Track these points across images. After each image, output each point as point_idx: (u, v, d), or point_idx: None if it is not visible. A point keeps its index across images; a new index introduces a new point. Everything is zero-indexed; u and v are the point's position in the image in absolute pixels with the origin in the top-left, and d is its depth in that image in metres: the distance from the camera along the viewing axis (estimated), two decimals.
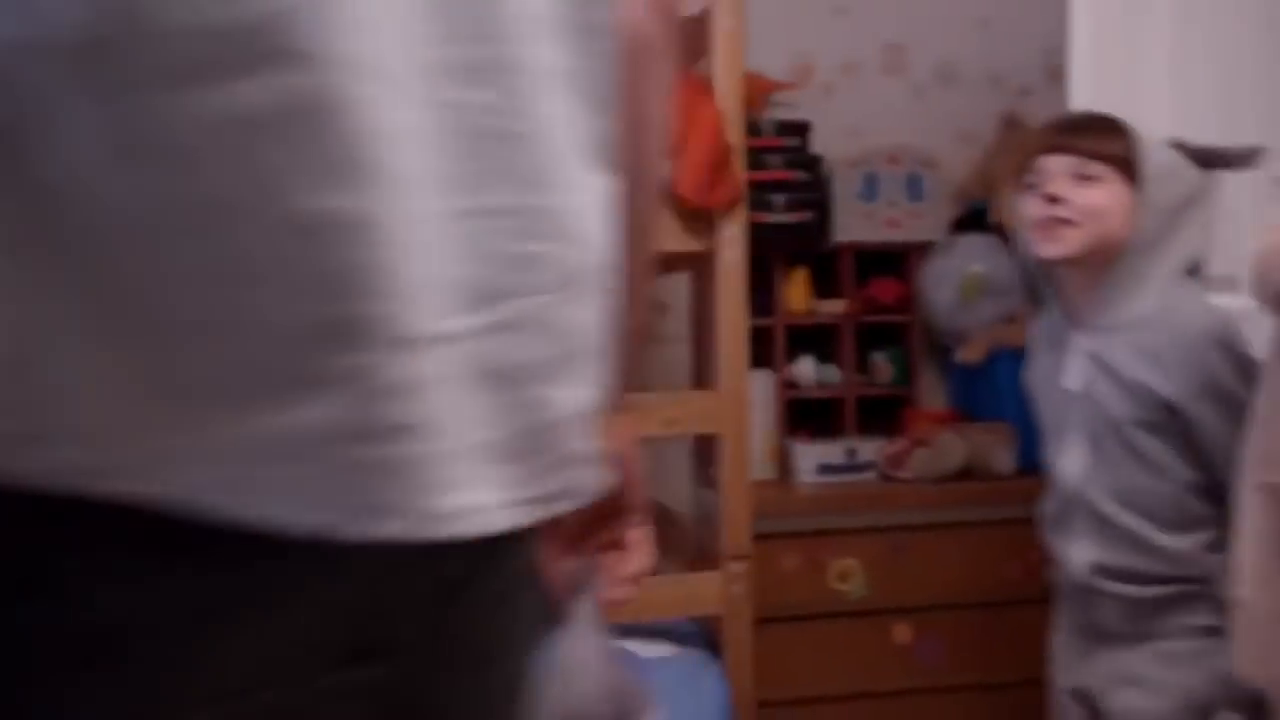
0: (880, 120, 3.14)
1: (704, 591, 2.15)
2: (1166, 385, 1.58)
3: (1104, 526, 1.65)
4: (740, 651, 2.13)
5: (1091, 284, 1.65)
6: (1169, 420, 1.59)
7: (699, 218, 2.13)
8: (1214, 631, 1.58)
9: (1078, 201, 1.62)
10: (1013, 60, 3.15)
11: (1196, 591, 1.62)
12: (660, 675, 2.09)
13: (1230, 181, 1.69)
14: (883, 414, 3.01)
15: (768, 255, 2.92)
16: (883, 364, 3.09)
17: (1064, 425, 1.69)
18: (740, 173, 2.13)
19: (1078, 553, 1.68)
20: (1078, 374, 1.66)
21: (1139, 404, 1.60)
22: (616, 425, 0.82)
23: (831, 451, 2.91)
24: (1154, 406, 1.59)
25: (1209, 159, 1.66)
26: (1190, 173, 1.65)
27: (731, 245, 2.15)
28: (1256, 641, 1.21)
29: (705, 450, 2.65)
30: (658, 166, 0.86)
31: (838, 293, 3.05)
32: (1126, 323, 1.63)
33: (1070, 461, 1.68)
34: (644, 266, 0.89)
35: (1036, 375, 1.77)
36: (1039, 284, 1.77)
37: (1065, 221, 1.63)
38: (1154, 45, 2.01)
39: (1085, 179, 1.63)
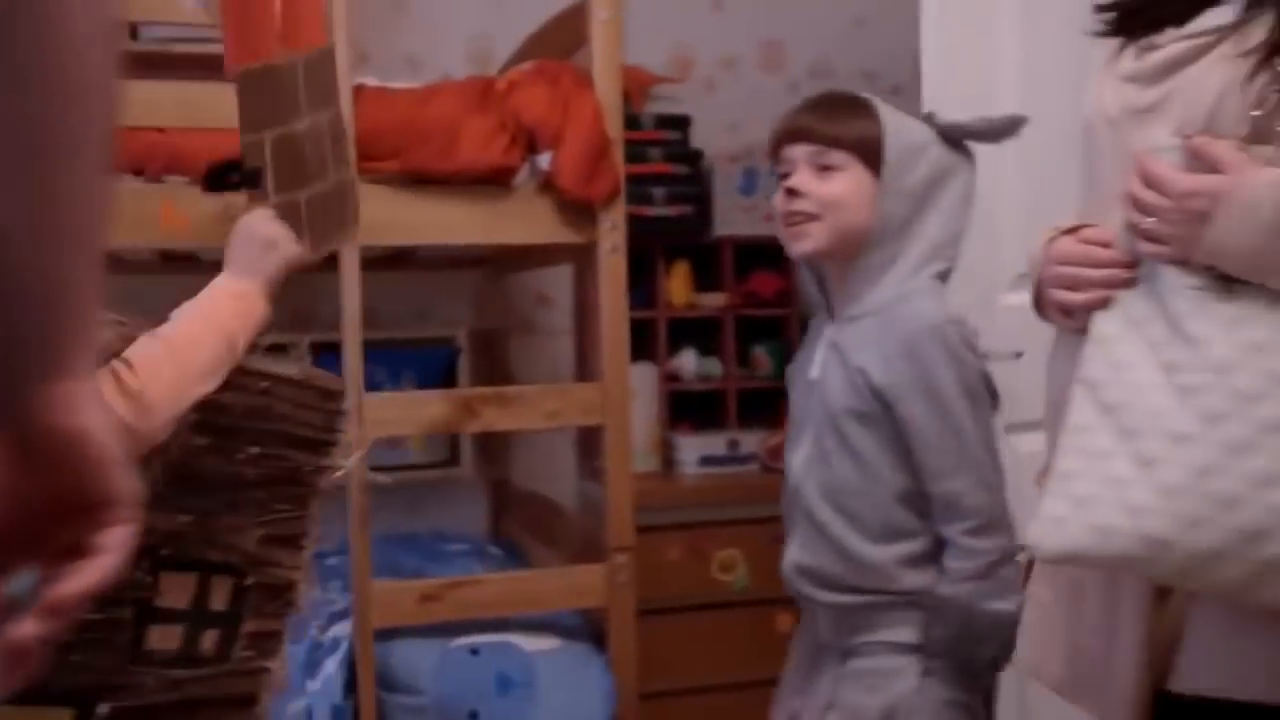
0: (759, 115, 3.17)
1: (588, 583, 2.15)
2: (881, 375, 1.52)
3: (811, 526, 1.59)
4: (624, 643, 2.13)
5: (843, 275, 1.60)
6: (881, 413, 1.52)
7: (579, 210, 2.13)
8: (917, 649, 1.53)
9: (816, 193, 1.57)
10: (885, 58, 3.22)
11: (896, 604, 1.54)
12: (546, 668, 2.09)
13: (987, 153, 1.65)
14: (764, 406, 3.05)
15: (649, 248, 2.93)
16: (763, 357, 3.13)
17: (800, 418, 1.64)
18: (620, 164, 2.13)
19: (788, 553, 1.63)
20: (819, 364, 1.61)
21: (856, 392, 1.54)
22: (70, 390, 0.62)
23: (713, 443, 2.95)
24: (869, 396, 1.53)
25: (959, 133, 1.60)
26: (936, 151, 1.59)
27: (611, 236, 2.15)
28: (1035, 638, 1.25)
29: (589, 443, 2.65)
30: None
31: (718, 286, 3.08)
32: (865, 312, 1.57)
33: (796, 456, 1.62)
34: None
35: (792, 369, 1.71)
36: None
37: (808, 215, 1.57)
38: (1006, 38, 2.07)
39: (824, 168, 1.58)
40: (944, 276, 1.60)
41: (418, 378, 2.79)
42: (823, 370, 1.59)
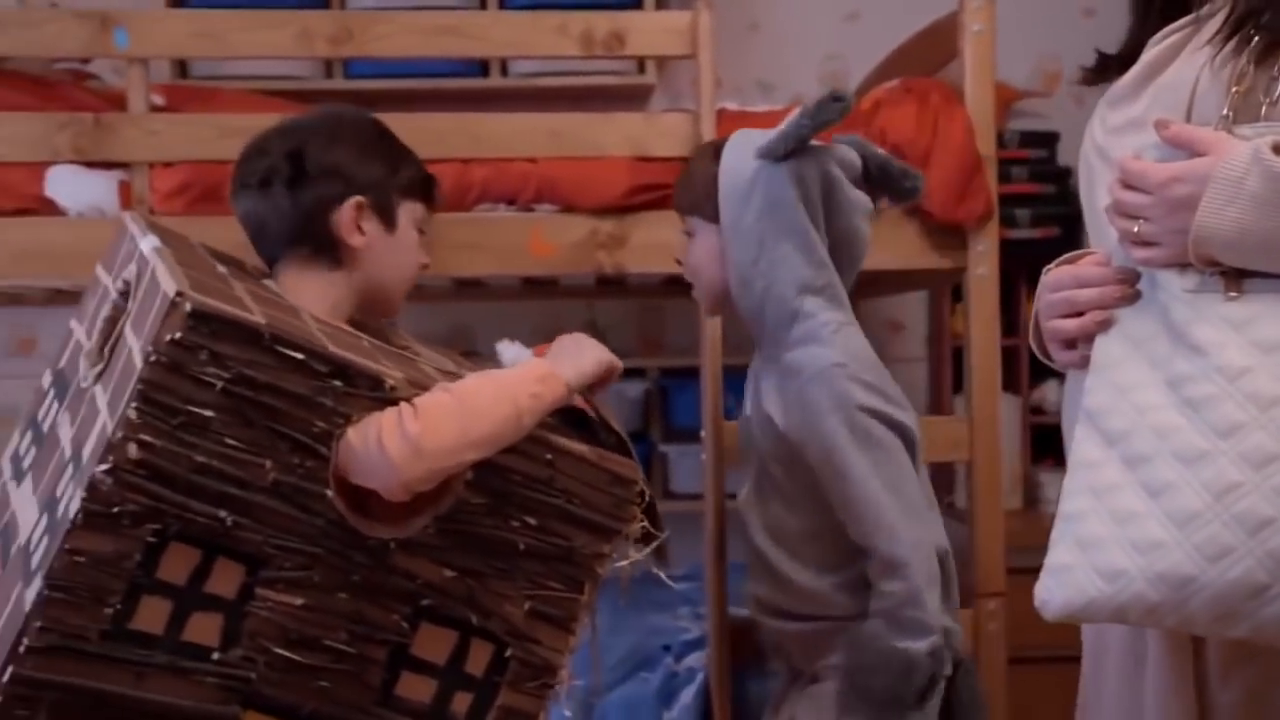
0: None
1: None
2: (784, 422, 1.53)
3: (756, 559, 1.61)
4: (994, 696, 1.99)
5: (743, 324, 1.63)
6: (796, 456, 1.53)
7: (948, 233, 2.02)
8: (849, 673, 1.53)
9: (686, 264, 1.66)
10: None
11: (842, 630, 1.53)
12: None
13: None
14: None
15: (1012, 273, 2.76)
16: None
17: (745, 452, 1.68)
18: (992, 184, 2.01)
19: (746, 583, 1.65)
20: (749, 402, 1.65)
21: (772, 437, 1.56)
22: None
23: None
24: (781, 441, 1.54)
25: (783, 143, 1.55)
26: (765, 174, 1.55)
27: (983, 261, 2.02)
28: None
29: (942, 478, 2.52)
30: None
31: None
32: (769, 356, 1.60)
33: (742, 490, 1.65)
34: None
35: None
36: None
37: (691, 285, 1.66)
38: None
39: (689, 234, 1.64)
40: (830, 293, 1.56)
41: None
42: (750, 408, 1.63)
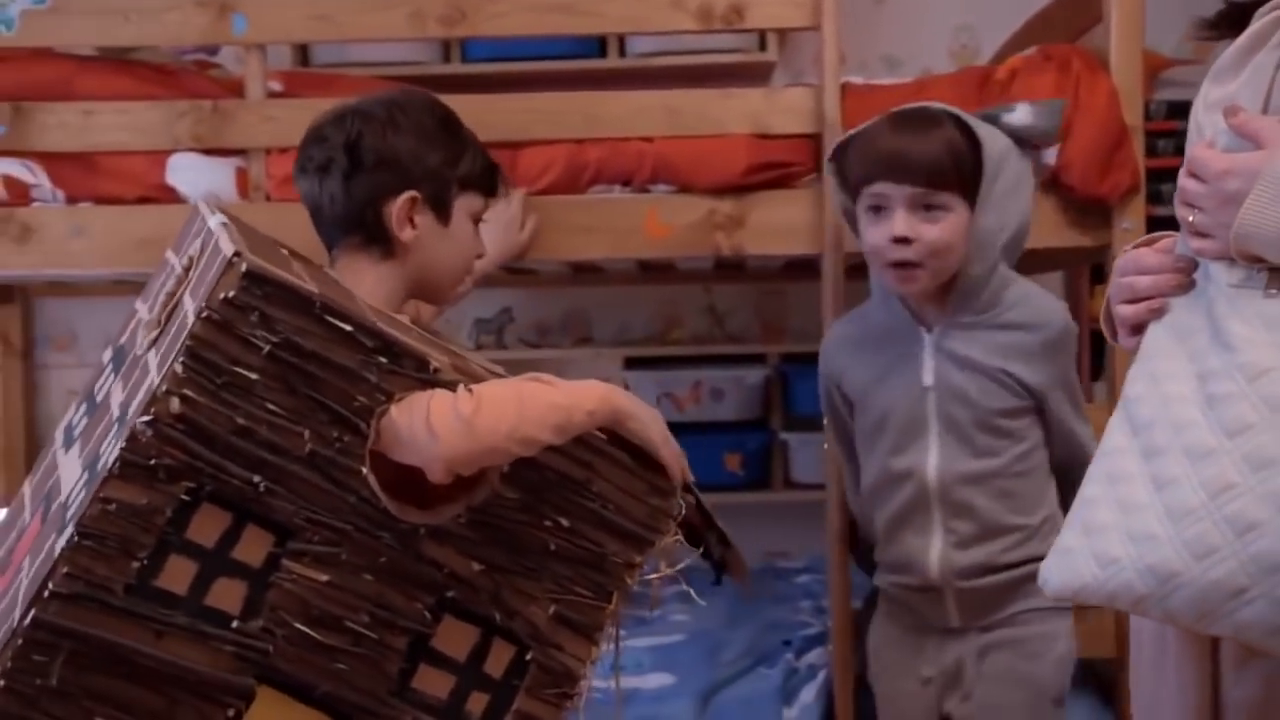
0: None
1: (1099, 629, 1.90)
2: (1030, 375, 1.61)
3: (964, 519, 1.63)
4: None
5: (941, 289, 1.63)
6: (1034, 408, 1.63)
7: (1090, 209, 1.90)
8: (1054, 612, 1.63)
9: (923, 239, 1.57)
10: None
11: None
12: None
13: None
14: None
15: None
16: None
17: (910, 423, 1.65)
18: (1139, 157, 1.88)
19: (933, 550, 1.64)
20: (930, 370, 1.64)
21: (1007, 392, 1.61)
22: None
23: None
24: (1024, 394, 1.62)
25: (1027, 135, 1.69)
26: (1014, 155, 1.64)
27: (1128, 239, 1.87)
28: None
29: None
30: None
31: None
32: (980, 319, 1.63)
33: (925, 457, 1.64)
34: None
35: (863, 377, 1.70)
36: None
37: (915, 263, 1.58)
38: None
39: (928, 208, 1.58)
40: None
41: None
42: (937, 376, 1.63)
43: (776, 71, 2.88)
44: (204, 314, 1.06)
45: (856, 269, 2.36)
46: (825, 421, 1.82)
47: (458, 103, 1.74)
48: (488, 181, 1.45)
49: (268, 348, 1.07)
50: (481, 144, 1.46)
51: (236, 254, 1.07)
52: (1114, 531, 0.97)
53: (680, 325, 3.02)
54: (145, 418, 1.05)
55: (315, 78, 2.24)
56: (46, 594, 1.05)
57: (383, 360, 1.11)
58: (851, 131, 1.67)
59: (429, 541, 1.15)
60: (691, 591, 1.31)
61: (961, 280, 1.60)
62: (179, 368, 1.06)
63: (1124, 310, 1.06)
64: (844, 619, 1.92)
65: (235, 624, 1.09)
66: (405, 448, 1.13)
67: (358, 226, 1.38)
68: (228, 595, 1.09)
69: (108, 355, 1.34)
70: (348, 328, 1.09)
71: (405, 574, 1.15)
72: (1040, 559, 1.47)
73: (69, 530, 1.06)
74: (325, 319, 1.09)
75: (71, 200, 1.97)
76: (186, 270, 1.20)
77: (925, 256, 1.58)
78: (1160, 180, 2.57)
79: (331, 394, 1.10)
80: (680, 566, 1.26)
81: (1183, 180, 0.99)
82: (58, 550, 1.06)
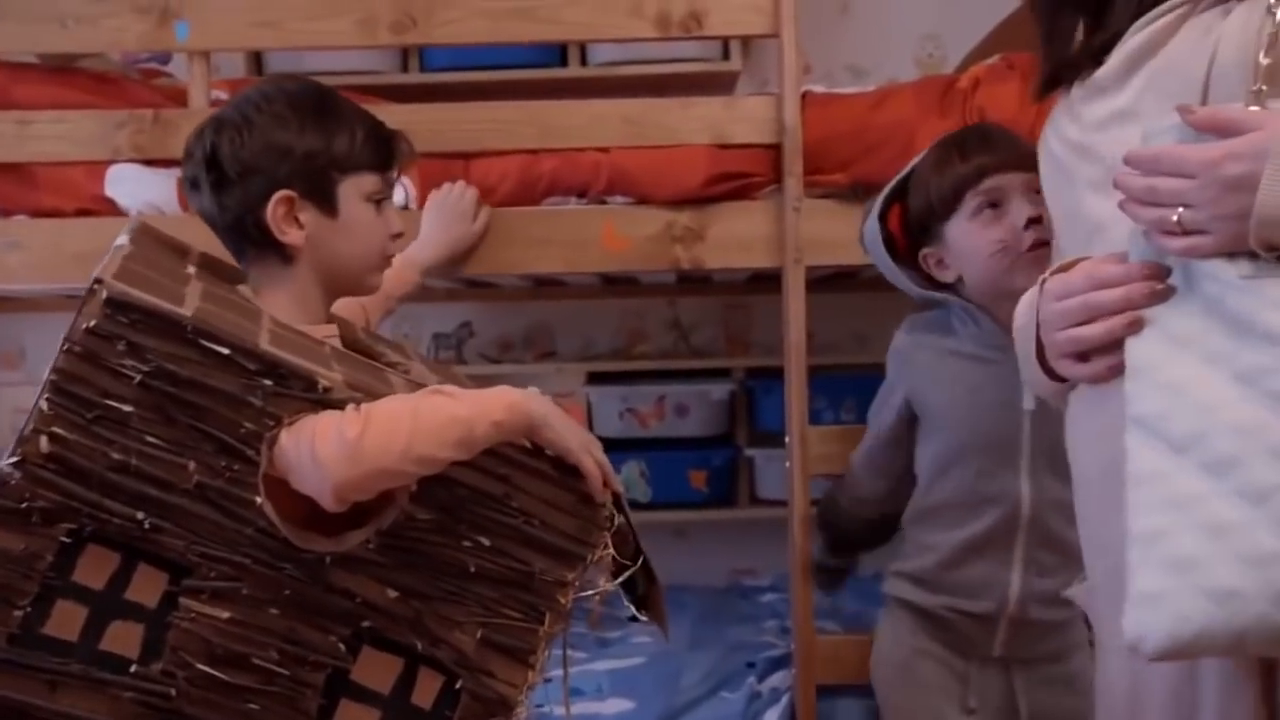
0: None
1: None
2: None
3: (1044, 545, 1.58)
4: None
5: None
6: None
7: None
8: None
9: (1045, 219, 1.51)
10: None
11: None
12: None
13: None
14: None
15: None
16: None
17: (1006, 445, 1.58)
18: None
19: (1014, 578, 1.60)
20: (1031, 394, 1.52)
21: None
22: None
23: None
24: None
25: None
26: None
27: None
28: None
29: None
30: None
31: None
32: None
33: (1022, 482, 1.58)
34: None
35: (946, 393, 1.64)
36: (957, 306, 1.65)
37: (1046, 242, 1.48)
38: None
39: (1037, 193, 1.48)
40: None
41: (859, 408, 2.61)
42: (1039, 400, 1.54)
43: (740, 81, 2.84)
44: (67, 346, 1.01)
45: (819, 282, 2.32)
46: (876, 423, 1.76)
47: (409, 113, 1.70)
48: (376, 156, 1.35)
49: (139, 377, 1.01)
50: (369, 117, 1.37)
51: (98, 280, 1.01)
52: (1218, 561, 0.85)
53: (645, 339, 2.97)
54: (12, 459, 1.00)
55: None
56: None
57: (267, 383, 1.05)
58: (910, 166, 1.65)
59: (338, 570, 1.09)
60: (635, 610, 1.26)
61: None
62: (44, 404, 1.01)
63: (1085, 333, 0.97)
64: (807, 639, 1.87)
65: (134, 668, 1.04)
66: (296, 476, 1.06)
67: (245, 239, 1.32)
68: (124, 639, 1.04)
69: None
70: (225, 350, 1.04)
71: (315, 606, 1.09)
72: None
73: None
74: (200, 343, 1.03)
75: (6, 213, 1.90)
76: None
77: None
78: None
79: (215, 422, 1.04)
80: (619, 582, 1.21)
81: (1154, 183, 0.92)
82: None
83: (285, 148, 1.30)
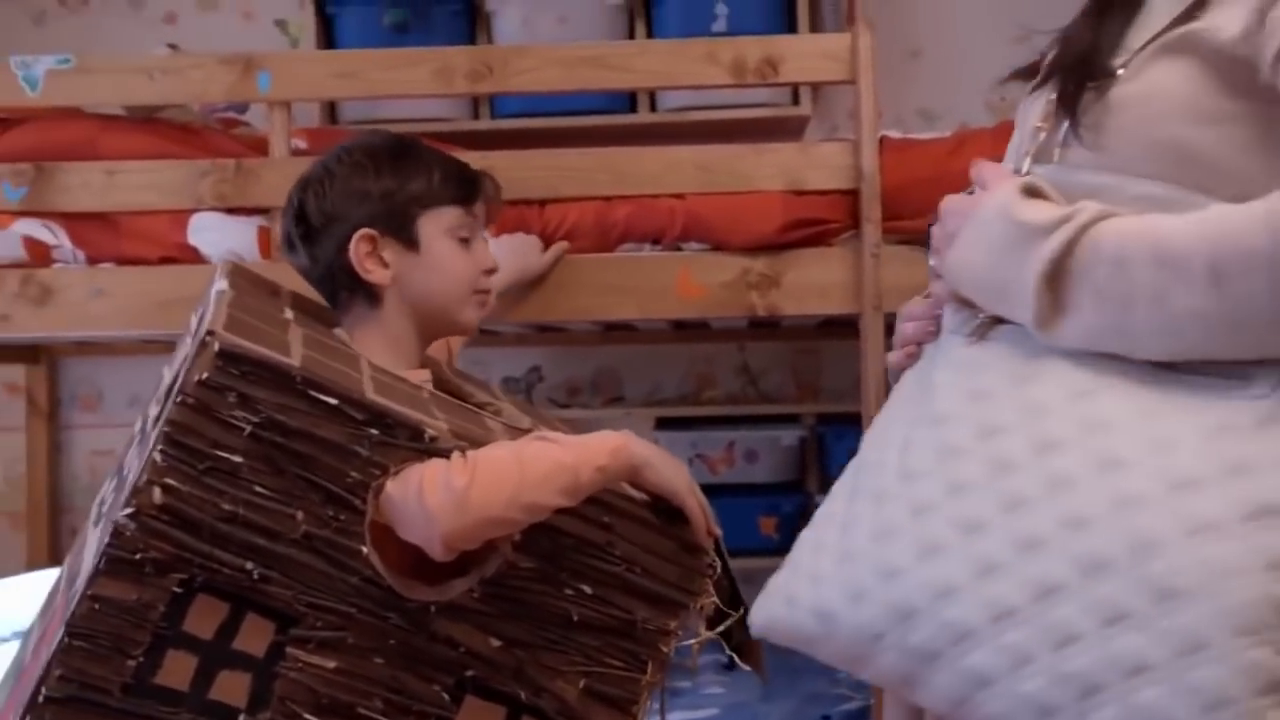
0: None
1: None
2: None
3: None
4: None
5: None
6: None
7: None
8: None
9: None
10: None
11: None
12: None
13: None
14: None
15: None
16: None
17: None
18: None
19: None
20: None
21: None
22: None
23: None
24: None
25: None
26: None
27: None
28: None
29: None
30: None
31: None
32: None
33: None
34: None
35: None
36: None
37: None
38: None
39: None
40: None
41: None
42: None
43: (811, 126, 2.83)
44: (179, 398, 1.02)
45: (887, 329, 2.29)
46: None
47: (481, 159, 1.70)
48: (457, 191, 1.37)
49: (249, 428, 1.02)
50: (451, 158, 1.41)
51: (210, 332, 1.02)
52: (801, 571, 0.96)
53: (713, 385, 2.95)
54: (127, 511, 1.01)
55: (338, 134, 2.20)
56: (41, 699, 1.00)
57: (374, 432, 1.05)
58: None
59: (442, 619, 1.09)
60: (734, 657, 1.24)
61: None
62: (158, 456, 1.01)
63: (889, 358, 1.06)
64: (884, 693, 1.83)
65: (241, 717, 1.04)
66: (403, 525, 1.07)
67: (337, 285, 1.35)
68: (232, 688, 1.04)
69: (138, 425, 1.31)
70: (333, 401, 1.04)
71: (419, 655, 1.09)
72: None
73: (60, 631, 1.02)
74: (309, 393, 1.04)
75: (92, 261, 1.93)
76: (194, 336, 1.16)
77: None
78: None
79: (322, 472, 1.04)
80: (720, 630, 1.20)
81: (935, 227, 1.00)
82: (47, 654, 1.02)
83: (363, 191, 1.33)
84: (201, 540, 1.02)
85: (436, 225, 1.35)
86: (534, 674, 1.12)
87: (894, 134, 1.99)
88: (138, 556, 1.01)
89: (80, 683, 1.01)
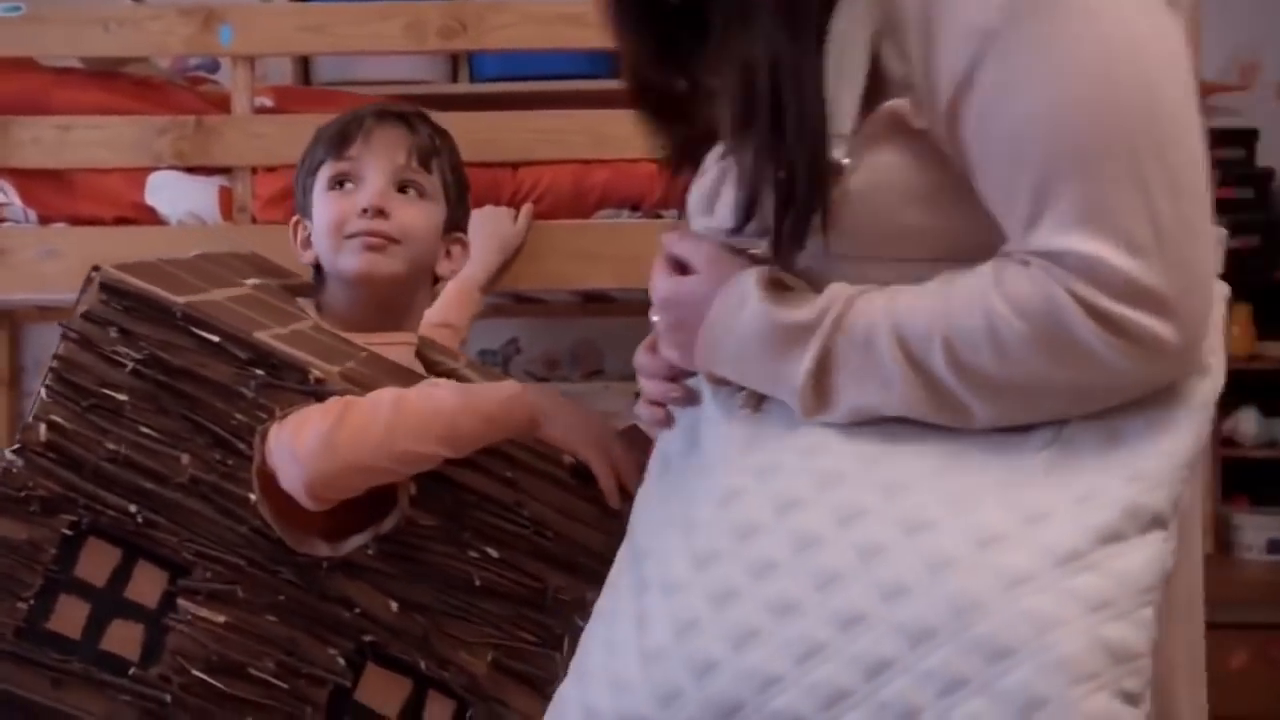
0: None
1: None
2: None
3: None
4: None
5: None
6: None
7: None
8: None
9: None
10: None
11: None
12: None
13: None
14: None
15: None
16: None
17: None
18: None
19: None
20: None
21: None
22: None
23: None
24: None
25: None
26: None
27: None
28: None
29: None
30: None
31: None
32: None
33: None
34: None
35: None
36: None
37: None
38: None
39: None
40: None
41: None
42: None
43: None
44: (64, 332, 0.99)
45: None
46: None
47: (454, 121, 1.62)
48: (327, 145, 1.35)
49: (131, 364, 0.99)
50: (339, 117, 1.40)
51: (95, 268, 1.00)
52: (599, 677, 0.87)
53: None
54: (14, 448, 0.99)
55: (309, 94, 2.12)
56: None
57: (259, 372, 1.01)
58: None
59: (337, 577, 1.03)
60: None
61: None
62: (44, 392, 0.99)
63: (639, 412, 0.99)
64: None
65: (133, 671, 1.00)
66: (279, 471, 1.01)
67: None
68: (124, 639, 1.00)
69: None
70: (215, 338, 1.00)
71: (313, 615, 1.03)
72: None
73: None
74: (191, 330, 1.00)
75: (44, 220, 1.85)
76: None
77: None
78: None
79: (207, 413, 1.00)
80: None
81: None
82: None
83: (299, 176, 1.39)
84: (86, 480, 0.99)
85: (320, 186, 1.33)
86: (437, 644, 1.05)
87: None
88: (23, 494, 0.98)
89: None
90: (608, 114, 1.86)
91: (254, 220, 1.82)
